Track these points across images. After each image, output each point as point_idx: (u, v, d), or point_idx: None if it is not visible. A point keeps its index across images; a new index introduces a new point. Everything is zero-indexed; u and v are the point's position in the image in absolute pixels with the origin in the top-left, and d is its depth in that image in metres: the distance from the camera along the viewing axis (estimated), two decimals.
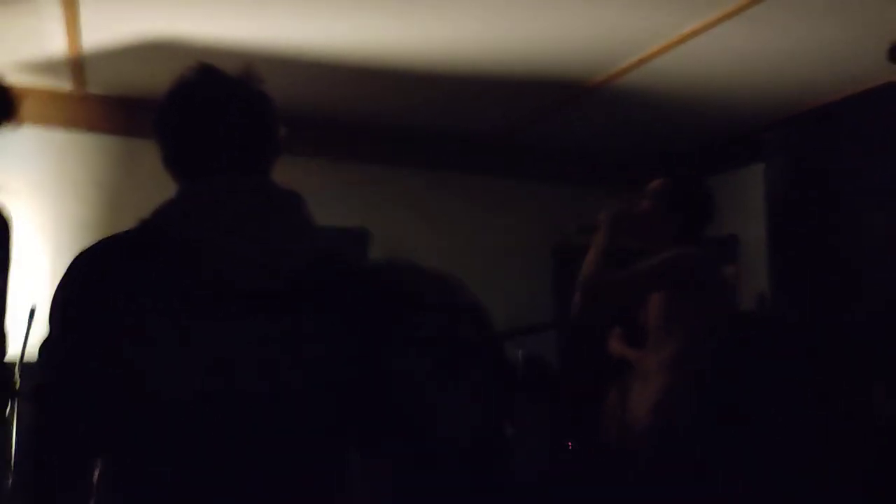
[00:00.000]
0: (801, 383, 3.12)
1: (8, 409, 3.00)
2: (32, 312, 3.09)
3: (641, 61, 3.36)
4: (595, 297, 2.29)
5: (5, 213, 2.16)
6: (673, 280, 2.36)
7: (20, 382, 2.93)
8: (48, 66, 3.62)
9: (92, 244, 1.24)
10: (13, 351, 3.14)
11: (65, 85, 3.88)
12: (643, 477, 2.36)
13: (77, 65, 3.56)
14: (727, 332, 2.48)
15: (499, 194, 4.97)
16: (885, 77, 3.34)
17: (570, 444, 3.65)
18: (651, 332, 2.47)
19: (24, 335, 3.01)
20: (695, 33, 3.05)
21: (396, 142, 4.72)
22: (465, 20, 3.02)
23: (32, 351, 2.79)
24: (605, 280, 2.27)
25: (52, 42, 3.31)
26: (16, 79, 3.76)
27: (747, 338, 3.46)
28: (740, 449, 2.82)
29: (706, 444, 2.40)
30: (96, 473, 1.19)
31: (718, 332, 2.43)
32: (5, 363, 2.36)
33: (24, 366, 2.87)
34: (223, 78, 1.30)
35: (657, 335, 2.44)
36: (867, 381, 2.90)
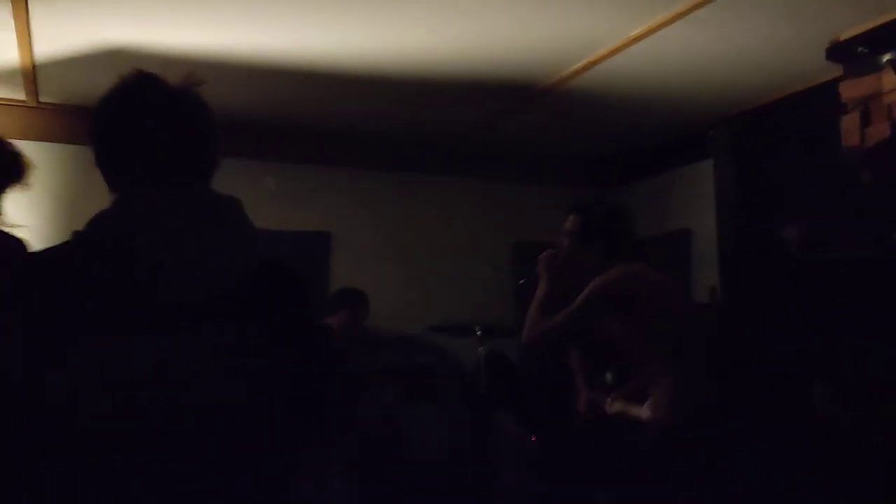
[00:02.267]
0: (745, 378, 3.22)
1: None
2: None
3: (592, 63, 3.44)
4: (538, 346, 2.59)
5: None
6: (605, 305, 2.48)
7: None
8: (0, 77, 3.59)
9: (27, 256, 1.21)
10: None
11: (17, 95, 3.84)
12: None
13: (29, 75, 3.53)
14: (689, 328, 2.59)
15: (460, 195, 5.03)
16: (825, 76, 3.46)
17: (533, 437, 3.72)
18: (633, 358, 2.59)
19: None
20: (643, 36, 3.13)
21: (358, 145, 4.75)
22: (421, 27, 3.07)
23: None
24: (540, 333, 2.54)
25: (4, 53, 3.28)
26: None
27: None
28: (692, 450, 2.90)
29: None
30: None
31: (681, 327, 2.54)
32: None
33: None
34: (159, 85, 1.28)
35: (639, 357, 2.55)
36: (809, 379, 3.00)
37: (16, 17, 2.90)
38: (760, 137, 3.96)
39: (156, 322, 1.13)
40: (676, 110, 4.15)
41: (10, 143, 1.95)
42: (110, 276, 1.13)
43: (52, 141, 3.96)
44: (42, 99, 3.91)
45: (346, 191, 4.74)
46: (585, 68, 3.50)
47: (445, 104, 4.06)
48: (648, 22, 3.02)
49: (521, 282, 2.90)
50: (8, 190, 1.91)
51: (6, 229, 2.01)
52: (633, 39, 3.18)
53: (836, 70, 3.28)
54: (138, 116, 1.26)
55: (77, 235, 1.20)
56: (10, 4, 2.78)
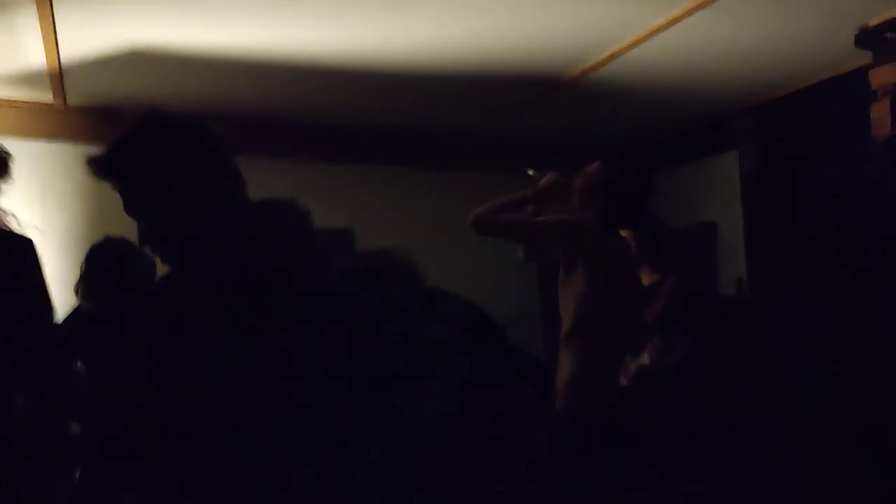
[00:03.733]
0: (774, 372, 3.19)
1: None
2: None
3: (614, 55, 3.41)
4: (482, 227, 2.55)
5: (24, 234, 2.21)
6: (557, 239, 2.46)
7: None
8: (28, 80, 3.64)
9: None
10: None
11: (45, 97, 3.90)
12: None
13: (56, 77, 3.58)
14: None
15: (482, 189, 5.01)
16: (854, 63, 3.41)
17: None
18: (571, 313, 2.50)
19: None
20: (665, 26, 3.10)
21: (378, 142, 4.76)
22: (442, 21, 3.06)
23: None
24: (491, 217, 2.54)
25: (31, 56, 3.32)
26: None
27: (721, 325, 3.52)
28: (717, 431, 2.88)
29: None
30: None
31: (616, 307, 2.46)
32: None
33: None
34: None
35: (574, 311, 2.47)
36: (836, 360, 2.97)
37: (41, 20, 2.94)
38: (787, 127, 3.90)
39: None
40: (700, 100, 4.11)
41: None
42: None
43: (80, 142, 4.01)
44: (70, 101, 3.96)
45: (367, 188, 4.75)
46: (608, 60, 3.47)
47: (467, 98, 4.05)
48: (671, 12, 2.99)
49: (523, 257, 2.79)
50: (3, 185, 1.92)
51: (16, 229, 2.03)
52: (656, 30, 3.15)
53: (865, 57, 3.23)
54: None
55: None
56: (36, 8, 2.82)
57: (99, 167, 1.34)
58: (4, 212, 1.95)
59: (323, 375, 1.25)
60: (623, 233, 2.75)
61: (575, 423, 2.34)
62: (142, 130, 1.35)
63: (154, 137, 1.34)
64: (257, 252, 1.27)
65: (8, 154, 1.98)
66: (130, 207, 1.35)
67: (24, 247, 2.14)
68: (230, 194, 1.36)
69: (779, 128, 3.94)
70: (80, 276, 2.63)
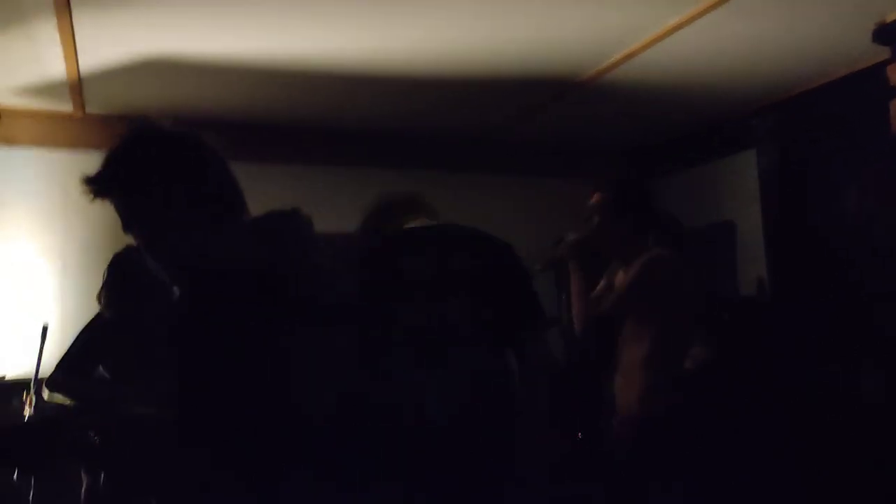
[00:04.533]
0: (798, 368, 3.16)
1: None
2: (45, 330, 3.15)
3: (630, 55, 3.40)
4: (589, 323, 2.59)
5: None
6: (650, 287, 2.48)
7: (35, 398, 2.99)
8: (48, 90, 3.69)
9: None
10: (27, 368, 3.21)
11: (65, 107, 3.95)
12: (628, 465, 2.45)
13: (76, 87, 3.62)
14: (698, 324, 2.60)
15: (499, 191, 5.02)
16: (872, 59, 3.37)
17: (580, 434, 3.69)
18: (627, 328, 2.58)
19: (38, 353, 3.07)
20: (681, 25, 3.08)
21: (394, 146, 4.77)
22: (457, 24, 3.07)
23: (46, 368, 2.86)
24: (594, 312, 2.56)
25: (51, 66, 3.37)
26: (16, 103, 3.85)
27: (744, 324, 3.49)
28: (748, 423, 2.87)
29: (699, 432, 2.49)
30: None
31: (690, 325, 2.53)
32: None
33: (39, 382, 2.92)
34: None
35: (634, 331, 2.54)
36: (858, 357, 2.94)
37: (61, 31, 2.98)
38: (804, 125, 3.87)
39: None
40: (717, 99, 4.09)
41: None
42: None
43: (99, 150, 4.05)
44: (89, 110, 4.01)
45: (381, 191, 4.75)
46: (623, 60, 3.46)
47: (483, 101, 4.05)
48: (685, 11, 2.98)
49: (538, 268, 2.87)
50: None
51: None
52: (671, 29, 3.13)
53: (883, 53, 3.20)
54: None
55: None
56: (56, 19, 2.86)
57: (93, 185, 1.31)
58: None
59: (335, 379, 1.27)
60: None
61: (647, 426, 2.40)
62: (132, 143, 1.34)
63: (144, 149, 1.33)
64: (257, 264, 1.27)
65: None
66: (127, 225, 1.33)
67: None
68: (226, 204, 1.33)
69: (796, 126, 3.91)
70: (103, 284, 2.66)
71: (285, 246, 1.34)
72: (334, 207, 4.50)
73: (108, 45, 3.15)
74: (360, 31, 3.10)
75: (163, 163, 1.30)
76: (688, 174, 4.84)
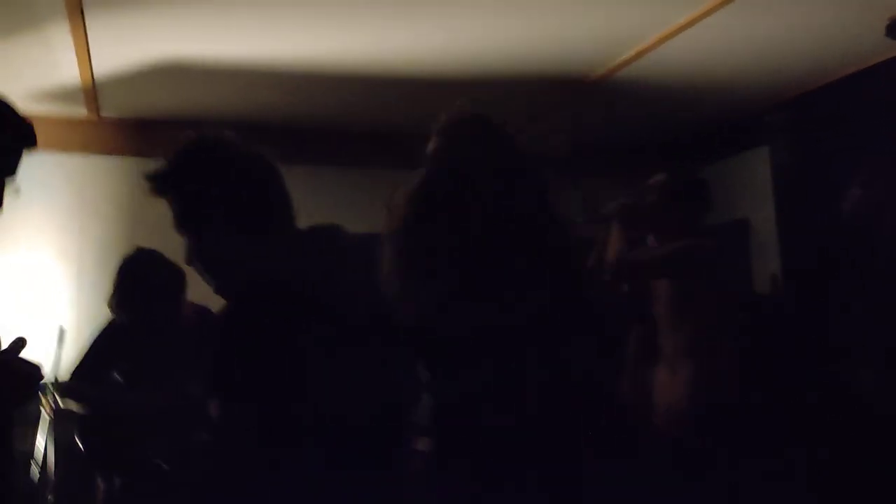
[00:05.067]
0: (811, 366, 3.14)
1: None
2: (62, 333, 3.18)
3: (641, 53, 3.39)
4: (624, 276, 2.56)
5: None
6: (689, 267, 2.47)
7: (57, 402, 3.01)
8: (62, 95, 3.72)
9: None
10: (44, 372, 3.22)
11: (80, 111, 3.99)
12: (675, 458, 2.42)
13: (90, 91, 3.66)
14: (739, 319, 2.56)
15: None
16: (885, 54, 3.35)
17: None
18: (663, 320, 2.54)
19: (55, 356, 3.09)
20: (692, 22, 3.07)
21: (413, 147, 4.77)
22: (469, 25, 3.07)
23: (64, 371, 2.88)
24: (633, 260, 2.50)
25: (65, 71, 3.40)
26: (32, 108, 3.89)
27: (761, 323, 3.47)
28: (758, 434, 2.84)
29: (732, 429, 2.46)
30: None
31: (730, 318, 2.51)
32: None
33: (57, 385, 2.94)
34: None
35: (671, 323, 2.51)
36: (874, 360, 2.92)
37: (74, 37, 3.01)
38: (818, 121, 3.85)
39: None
40: (729, 96, 4.07)
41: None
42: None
43: (114, 154, 4.09)
44: (103, 113, 4.04)
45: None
46: (634, 58, 3.45)
47: (495, 100, 4.04)
48: (697, 9, 2.97)
49: (584, 219, 2.87)
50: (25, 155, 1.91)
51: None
52: (682, 27, 3.12)
53: None
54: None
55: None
56: (69, 24, 2.89)
57: (157, 183, 1.35)
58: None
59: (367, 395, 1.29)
60: None
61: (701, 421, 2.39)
62: (198, 149, 1.38)
63: (209, 156, 1.37)
64: (301, 278, 1.30)
65: (31, 124, 1.96)
66: (182, 225, 1.36)
67: None
68: (277, 217, 1.37)
69: (810, 122, 3.88)
70: (113, 288, 2.67)
71: (329, 259, 1.37)
72: (351, 208, 4.52)
73: (121, 49, 3.18)
74: (375, 32, 3.11)
75: (225, 172, 1.34)
76: (700, 172, 4.81)
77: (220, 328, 1.37)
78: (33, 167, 2.16)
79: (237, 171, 1.35)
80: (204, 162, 1.36)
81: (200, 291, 1.87)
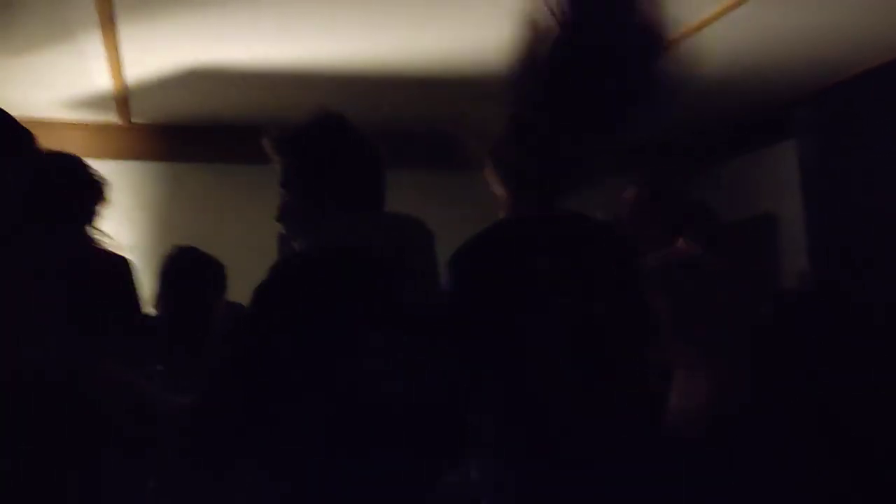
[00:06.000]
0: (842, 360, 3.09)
1: None
2: None
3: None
4: None
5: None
6: (669, 279, 2.46)
7: None
8: (94, 102, 3.80)
9: None
10: None
11: (111, 118, 4.06)
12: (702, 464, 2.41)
13: (121, 98, 3.73)
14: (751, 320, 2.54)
15: None
16: None
17: None
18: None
19: None
20: (718, 15, 3.05)
21: (438, 145, 4.77)
22: (493, 25, 3.07)
23: None
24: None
25: (97, 79, 3.48)
26: (65, 116, 3.98)
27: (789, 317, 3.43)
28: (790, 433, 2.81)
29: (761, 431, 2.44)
30: None
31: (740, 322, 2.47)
32: None
33: None
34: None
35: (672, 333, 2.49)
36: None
37: (106, 46, 3.07)
38: (847, 113, 3.80)
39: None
40: (756, 90, 4.02)
41: (89, 164, 2.10)
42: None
43: (143, 159, 4.17)
44: (134, 120, 4.12)
45: (431, 191, 4.77)
46: None
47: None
48: (723, 2, 2.95)
49: None
50: (101, 209, 2.06)
51: (111, 248, 2.15)
52: (708, 20, 3.10)
53: None
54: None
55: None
56: (101, 34, 2.96)
57: (280, 144, 1.50)
58: (102, 233, 2.08)
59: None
60: None
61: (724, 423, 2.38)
62: (325, 125, 1.53)
63: (326, 134, 1.52)
64: (377, 258, 1.40)
65: (104, 180, 2.12)
66: (286, 182, 1.49)
67: (121, 266, 2.24)
68: (371, 202, 1.51)
69: (838, 114, 3.83)
70: (155, 286, 2.71)
71: (404, 244, 1.49)
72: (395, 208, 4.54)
73: (151, 57, 3.24)
74: (405, 33, 3.13)
75: (340, 149, 1.50)
76: (727, 166, 4.78)
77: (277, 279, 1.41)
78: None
79: (349, 151, 1.49)
80: (325, 135, 1.51)
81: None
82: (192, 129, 4.12)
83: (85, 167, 2.08)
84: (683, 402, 2.48)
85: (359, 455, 1.27)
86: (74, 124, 4.08)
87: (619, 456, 1.50)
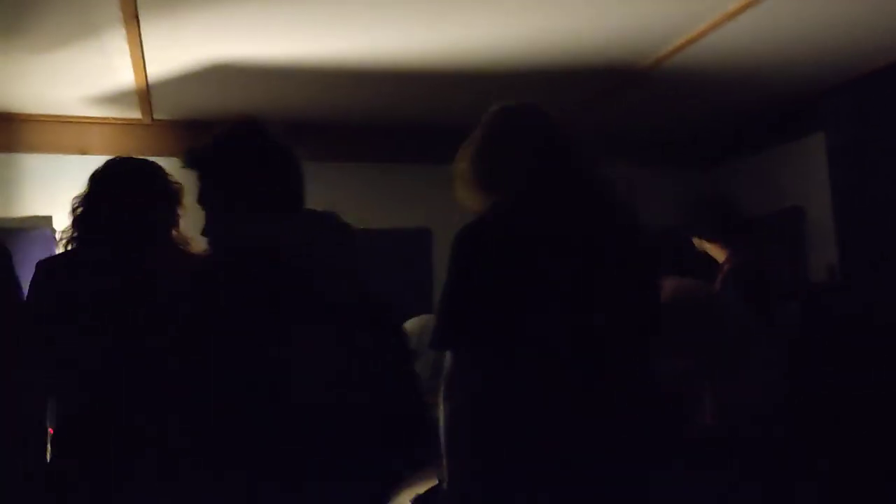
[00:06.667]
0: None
1: None
2: None
3: (691, 40, 3.33)
4: None
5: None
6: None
7: None
8: (117, 99, 3.83)
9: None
10: None
11: (134, 114, 4.09)
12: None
13: (144, 95, 3.75)
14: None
15: None
16: None
17: None
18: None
19: None
20: (744, 7, 3.00)
21: (458, 141, 4.77)
22: (519, 17, 3.06)
23: None
24: None
25: (120, 76, 3.50)
26: (89, 112, 4.01)
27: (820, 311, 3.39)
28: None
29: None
30: None
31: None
32: None
33: None
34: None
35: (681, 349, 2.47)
36: None
37: (130, 43, 3.09)
38: (875, 104, 3.73)
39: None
40: (783, 82, 3.97)
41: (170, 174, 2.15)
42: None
43: (165, 155, 4.18)
44: (156, 116, 4.14)
45: (445, 187, 4.76)
46: (684, 46, 3.39)
47: (546, 91, 4.01)
48: None
49: None
50: (181, 216, 2.11)
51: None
52: (733, 13, 3.06)
53: None
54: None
55: None
56: (125, 31, 2.97)
57: (186, 157, 1.54)
58: (184, 236, 2.10)
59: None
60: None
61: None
62: (229, 136, 1.54)
63: (239, 146, 1.52)
64: (290, 257, 1.41)
65: (180, 185, 2.15)
66: (200, 198, 1.52)
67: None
68: (287, 205, 1.51)
69: (866, 106, 3.77)
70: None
71: (312, 237, 1.48)
72: (386, 203, 4.55)
73: (174, 53, 3.25)
74: (424, 28, 3.11)
75: (246, 161, 1.50)
76: (754, 159, 4.72)
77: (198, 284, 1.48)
78: (90, 169, 2.24)
79: (259, 157, 1.49)
80: (233, 146, 1.52)
81: None
82: (214, 126, 4.13)
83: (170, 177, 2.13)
84: (718, 404, 2.45)
85: (292, 461, 1.32)
86: (98, 121, 4.11)
87: (611, 457, 1.49)
